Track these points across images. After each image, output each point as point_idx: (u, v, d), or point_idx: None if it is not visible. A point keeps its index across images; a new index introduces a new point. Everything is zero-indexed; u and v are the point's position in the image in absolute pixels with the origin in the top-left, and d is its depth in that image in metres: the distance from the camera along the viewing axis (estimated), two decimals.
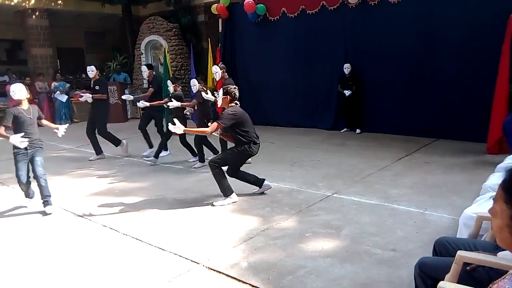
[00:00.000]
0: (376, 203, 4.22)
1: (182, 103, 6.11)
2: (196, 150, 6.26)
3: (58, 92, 6.71)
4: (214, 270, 3.00)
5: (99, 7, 14.21)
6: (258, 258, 3.14)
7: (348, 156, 6.32)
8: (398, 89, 7.77)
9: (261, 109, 9.91)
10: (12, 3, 13.44)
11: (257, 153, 4.63)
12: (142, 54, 13.99)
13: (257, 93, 9.93)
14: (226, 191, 4.46)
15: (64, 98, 6.48)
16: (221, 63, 6.59)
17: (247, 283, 2.80)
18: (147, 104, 6.58)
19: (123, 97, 7.80)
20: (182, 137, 6.26)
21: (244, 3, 9.39)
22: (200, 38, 14.60)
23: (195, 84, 6.26)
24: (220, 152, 5.68)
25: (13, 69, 14.69)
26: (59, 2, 14.50)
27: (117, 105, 12.20)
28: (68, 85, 13.15)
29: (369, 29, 8.03)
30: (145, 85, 13.98)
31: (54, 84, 12.57)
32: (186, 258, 3.21)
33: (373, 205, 4.18)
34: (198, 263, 3.11)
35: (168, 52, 10.95)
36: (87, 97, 6.76)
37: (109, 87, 13.23)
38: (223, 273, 2.95)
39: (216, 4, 9.92)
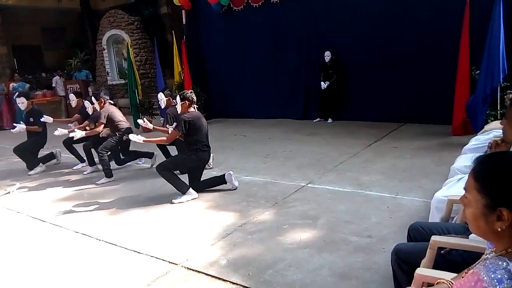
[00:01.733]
0: (350, 191, 4.30)
1: (88, 132, 5.48)
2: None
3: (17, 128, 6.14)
4: (193, 270, 2.97)
5: (55, 2, 13.65)
6: (237, 254, 3.13)
7: (319, 146, 6.39)
8: (365, 75, 7.89)
9: (230, 101, 9.87)
10: None
11: (207, 159, 4.68)
12: (104, 49, 13.53)
13: (226, 85, 9.85)
14: (183, 188, 4.46)
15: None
16: (167, 90, 6.30)
17: (227, 281, 2.78)
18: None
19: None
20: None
21: None
22: (163, 30, 14.27)
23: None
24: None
25: None
26: None
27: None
28: (27, 85, 12.56)
29: (335, 16, 8.07)
30: (109, 82, 13.64)
31: (12, 85, 11.97)
32: (163, 260, 3.15)
33: (347, 193, 4.24)
34: (176, 264, 3.07)
35: (131, 46, 10.65)
36: (20, 128, 6.07)
37: (70, 86, 12.84)
38: (203, 273, 2.92)
39: None
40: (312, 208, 3.92)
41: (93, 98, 5.65)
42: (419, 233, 2.31)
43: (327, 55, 8.04)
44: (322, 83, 8.15)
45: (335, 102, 8.28)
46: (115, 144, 5.56)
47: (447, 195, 2.72)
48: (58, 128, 5.72)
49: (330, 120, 8.32)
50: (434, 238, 1.98)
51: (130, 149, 5.91)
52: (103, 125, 5.45)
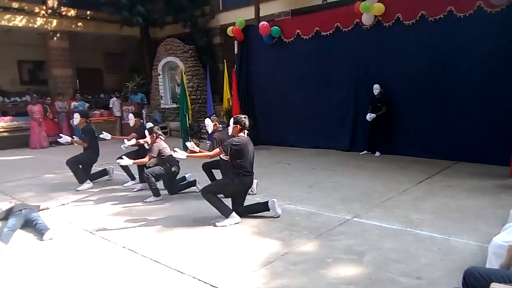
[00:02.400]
0: (398, 229, 4.13)
1: (135, 161, 5.75)
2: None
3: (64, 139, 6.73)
4: None
5: (118, 29, 14.63)
6: (279, 284, 3.09)
7: (366, 179, 6.24)
8: (417, 110, 7.71)
9: (276, 130, 9.97)
10: (35, 26, 13.93)
11: (250, 184, 4.73)
12: (159, 75, 14.27)
13: (273, 114, 9.99)
14: (226, 212, 4.52)
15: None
16: (214, 115, 6.47)
17: None
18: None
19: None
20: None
21: (259, 25, 9.55)
22: (215, 59, 14.87)
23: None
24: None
25: (34, 89, 15.11)
26: (80, 24, 14.98)
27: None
28: (87, 104, 13.46)
29: (385, 50, 8.05)
30: (162, 105, 14.26)
31: (73, 103, 12.87)
32: (205, 282, 3.17)
33: (395, 231, 4.09)
34: None
35: (184, 73, 11.15)
36: (66, 139, 6.65)
37: (126, 107, 13.57)
38: None
39: (232, 27, 10.10)
40: (357, 243, 3.80)
41: (146, 132, 5.97)
42: (477, 279, 2.18)
43: (376, 88, 7.96)
44: (368, 114, 8.05)
45: (383, 135, 8.12)
46: (163, 173, 5.76)
47: (508, 240, 2.56)
48: (103, 132, 6.61)
49: (377, 153, 8.13)
50: (494, 286, 1.86)
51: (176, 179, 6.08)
52: (152, 158, 5.69)
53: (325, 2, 10.83)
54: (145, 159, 5.71)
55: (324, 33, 8.83)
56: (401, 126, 7.97)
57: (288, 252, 3.68)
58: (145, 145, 6.12)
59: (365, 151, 8.36)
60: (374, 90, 7.99)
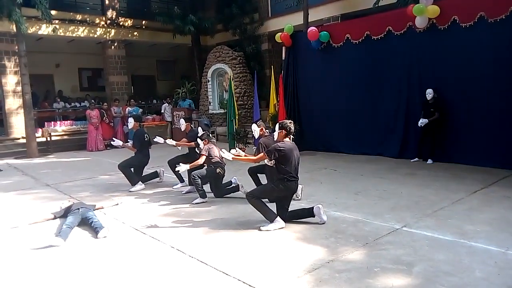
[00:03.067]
0: (451, 240, 3.94)
1: (192, 165, 5.82)
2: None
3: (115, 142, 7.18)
4: None
5: (170, 37, 15.23)
6: None
7: (417, 187, 6.00)
8: (474, 116, 7.33)
9: (322, 135, 9.87)
10: (95, 36, 14.84)
11: (294, 190, 4.70)
12: (208, 81, 14.64)
13: (319, 119, 9.90)
14: (270, 216, 4.53)
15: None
16: (260, 121, 6.52)
17: None
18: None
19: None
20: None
21: (308, 31, 9.53)
22: (263, 65, 15.03)
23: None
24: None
25: (92, 95, 16.09)
26: (135, 33, 15.76)
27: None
28: (140, 110, 14.09)
29: (440, 54, 7.73)
30: (210, 111, 14.62)
31: (128, 109, 13.53)
32: (250, 285, 3.20)
33: (447, 242, 3.89)
34: None
35: (232, 79, 11.35)
36: (118, 143, 7.09)
37: (176, 113, 14.07)
38: None
39: (280, 33, 10.16)
40: (406, 254, 3.67)
41: (199, 140, 6.14)
42: None
43: (429, 93, 7.66)
44: (420, 120, 7.75)
45: (436, 142, 7.78)
46: (209, 175, 5.91)
47: None
48: (157, 136, 6.98)
49: (430, 161, 7.79)
50: None
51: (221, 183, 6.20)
52: (204, 157, 5.87)
53: (376, 5, 10.61)
54: (200, 160, 5.86)
55: (375, 37, 8.64)
56: (456, 132, 7.59)
57: (334, 259, 3.62)
58: (196, 149, 6.32)
59: (416, 159, 8.04)
60: (427, 95, 7.68)
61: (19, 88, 12.43)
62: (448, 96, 7.65)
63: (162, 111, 15.01)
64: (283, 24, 10.77)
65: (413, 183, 6.28)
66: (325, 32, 9.39)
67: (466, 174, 6.64)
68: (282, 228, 4.47)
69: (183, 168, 5.62)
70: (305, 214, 4.69)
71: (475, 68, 7.23)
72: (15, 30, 11.31)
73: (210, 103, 14.75)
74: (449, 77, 7.62)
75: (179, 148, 6.75)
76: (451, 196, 5.43)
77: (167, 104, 14.94)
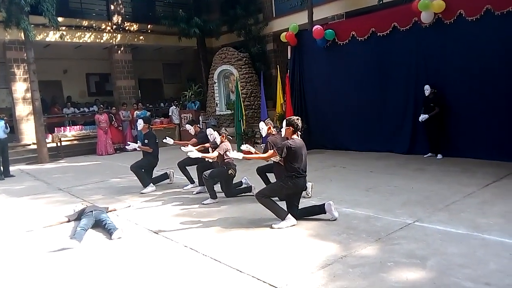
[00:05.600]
0: (464, 233, 3.92)
1: (203, 155, 5.86)
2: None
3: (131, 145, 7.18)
4: None
5: (176, 40, 15.32)
6: (337, 286, 3.06)
7: (428, 182, 5.98)
8: (483, 110, 7.28)
9: (330, 133, 9.86)
10: (102, 41, 14.98)
11: (303, 186, 4.75)
12: (215, 83, 14.70)
13: (326, 117, 9.89)
14: (281, 214, 4.55)
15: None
16: (268, 119, 6.51)
17: None
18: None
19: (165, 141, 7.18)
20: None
21: (313, 29, 9.54)
22: (269, 65, 15.05)
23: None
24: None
25: (100, 99, 16.23)
26: (141, 38, 15.88)
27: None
28: (148, 113, 14.19)
29: (446, 49, 7.70)
30: (217, 112, 14.67)
31: (136, 112, 13.63)
32: (264, 282, 3.22)
33: (461, 235, 3.88)
34: (276, 287, 3.11)
35: (239, 80, 11.39)
36: (133, 146, 7.07)
37: (184, 115, 14.14)
38: None
39: (285, 33, 10.18)
40: (420, 248, 3.66)
41: (216, 133, 6.13)
42: None
43: (427, 89, 7.75)
44: (421, 115, 7.79)
45: (442, 137, 7.76)
46: (219, 174, 5.93)
47: None
48: (167, 137, 7.05)
49: (439, 156, 7.75)
50: None
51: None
52: (218, 153, 5.87)
53: (381, 2, 10.58)
54: (213, 154, 5.85)
55: (381, 34, 8.62)
56: (466, 127, 7.54)
57: (347, 255, 3.63)
58: (209, 149, 6.35)
59: (429, 154, 7.99)
60: (425, 91, 7.75)
61: (28, 95, 12.60)
62: (456, 91, 7.61)
63: (170, 113, 15.09)
64: (288, 24, 10.80)
65: (424, 178, 6.26)
66: (330, 30, 9.39)
67: (477, 168, 6.60)
68: (293, 225, 4.50)
69: (194, 154, 5.58)
70: (316, 211, 4.71)
71: (483, 61, 7.18)
72: (23, 37, 11.47)
73: (217, 105, 14.80)
74: (456, 71, 7.57)
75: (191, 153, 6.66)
76: (463, 190, 5.40)
77: (175, 107, 15.02)
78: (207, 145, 6.56)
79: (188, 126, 7.22)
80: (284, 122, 4.73)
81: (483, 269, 3.16)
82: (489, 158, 7.04)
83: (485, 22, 7.07)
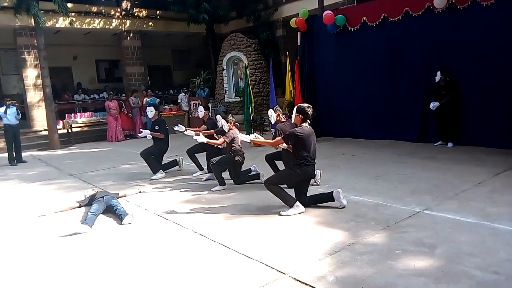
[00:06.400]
0: (473, 222, 3.91)
1: (208, 140, 5.93)
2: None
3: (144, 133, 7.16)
4: (301, 282, 3.00)
5: (185, 27, 15.22)
6: (345, 273, 3.08)
7: (438, 171, 5.94)
8: (496, 98, 7.16)
9: (340, 121, 9.79)
10: (111, 27, 14.97)
11: (312, 174, 4.74)
12: (224, 69, 14.64)
13: (336, 105, 9.81)
14: (289, 202, 4.56)
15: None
16: (277, 106, 6.48)
17: None
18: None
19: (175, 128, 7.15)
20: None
21: (323, 15, 9.40)
22: (278, 52, 14.92)
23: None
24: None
25: (110, 86, 16.30)
26: (150, 24, 15.82)
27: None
28: (158, 100, 14.23)
29: (459, 35, 7.56)
30: (226, 99, 14.65)
31: (145, 99, 13.68)
32: (272, 268, 3.26)
33: (470, 224, 3.87)
34: (284, 273, 3.14)
35: (248, 67, 11.32)
36: (146, 133, 7.02)
37: (193, 102, 14.15)
38: (310, 285, 2.94)
39: (295, 18, 10.05)
40: (428, 236, 3.66)
41: (223, 120, 6.18)
42: None
43: (438, 76, 7.61)
44: (432, 103, 7.69)
45: (452, 125, 7.66)
46: (227, 161, 5.96)
47: None
48: (179, 124, 7.08)
49: (450, 144, 7.68)
50: None
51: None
52: (225, 142, 5.92)
53: None
54: (219, 141, 5.92)
55: (392, 19, 8.47)
56: (476, 115, 7.45)
57: (355, 242, 3.65)
58: (214, 135, 6.41)
59: (440, 142, 7.92)
60: (436, 78, 7.60)
61: (39, 81, 12.70)
62: (468, 78, 7.49)
63: (179, 100, 15.12)
64: (298, 9, 10.66)
65: (434, 167, 6.22)
66: (341, 15, 9.25)
67: (488, 157, 6.53)
68: (302, 212, 4.51)
69: (201, 139, 5.73)
70: (324, 199, 4.72)
71: (497, 48, 7.04)
72: (33, 24, 11.51)
73: (226, 92, 14.77)
74: (469, 58, 7.44)
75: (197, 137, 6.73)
76: (473, 178, 5.36)
77: (184, 94, 15.03)
78: (212, 131, 6.59)
79: (200, 109, 7.15)
80: (294, 109, 4.71)
81: (492, 258, 3.15)
82: (501, 147, 6.95)
83: (500, 6, 6.91)
